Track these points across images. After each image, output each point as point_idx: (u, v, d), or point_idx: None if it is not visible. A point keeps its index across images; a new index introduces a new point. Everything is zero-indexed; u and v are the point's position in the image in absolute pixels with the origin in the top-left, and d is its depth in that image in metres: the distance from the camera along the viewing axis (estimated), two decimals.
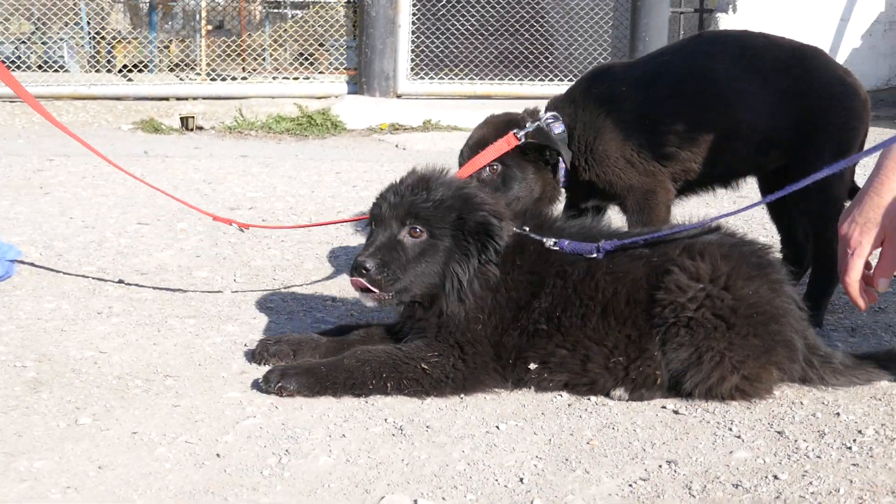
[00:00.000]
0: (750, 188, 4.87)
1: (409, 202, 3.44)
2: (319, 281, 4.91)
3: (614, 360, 3.39)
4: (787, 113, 4.25)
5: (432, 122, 11.25)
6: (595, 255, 3.47)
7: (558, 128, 4.34)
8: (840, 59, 12.34)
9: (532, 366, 3.45)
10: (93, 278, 4.86)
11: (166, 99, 11.72)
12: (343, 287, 4.75)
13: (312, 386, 3.35)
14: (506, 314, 3.46)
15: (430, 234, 3.43)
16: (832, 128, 4.22)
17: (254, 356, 3.72)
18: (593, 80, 4.51)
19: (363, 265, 3.37)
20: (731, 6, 12.33)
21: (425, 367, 3.38)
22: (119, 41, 14.00)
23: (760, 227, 5.74)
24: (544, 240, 3.53)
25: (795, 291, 3.55)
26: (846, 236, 3.29)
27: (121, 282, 4.81)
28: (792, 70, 4.28)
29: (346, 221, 5.40)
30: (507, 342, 3.47)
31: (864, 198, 3.23)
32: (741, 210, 3.73)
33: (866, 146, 4.06)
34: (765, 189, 4.69)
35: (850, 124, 4.27)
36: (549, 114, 4.41)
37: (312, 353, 3.66)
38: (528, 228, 3.57)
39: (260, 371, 3.64)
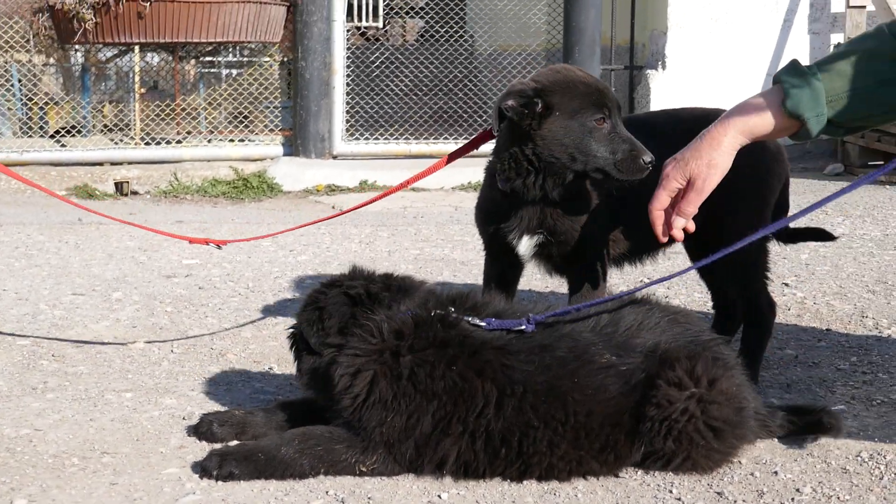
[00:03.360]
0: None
1: None
2: (258, 350, 4.88)
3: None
4: None
5: (368, 182, 11.28)
6: (525, 328, 3.30)
7: None
8: None
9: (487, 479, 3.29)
10: (27, 353, 4.78)
11: (101, 164, 11.62)
12: (281, 356, 4.72)
13: (251, 474, 3.26)
14: (432, 414, 3.24)
15: None
16: (741, 184, 4.26)
17: (198, 433, 3.68)
18: None
19: None
20: (660, 63, 12.56)
21: (363, 469, 3.29)
22: (53, 105, 13.87)
23: (696, 283, 5.81)
24: (469, 319, 3.33)
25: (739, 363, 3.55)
26: (664, 170, 3.58)
27: (56, 356, 4.74)
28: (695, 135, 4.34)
29: (315, 223, 5.39)
30: (442, 447, 3.25)
31: (696, 142, 3.54)
32: (666, 279, 3.80)
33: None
34: (690, 248, 4.75)
35: (759, 177, 4.33)
36: None
37: (255, 437, 3.61)
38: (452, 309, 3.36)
39: (199, 445, 3.61)
